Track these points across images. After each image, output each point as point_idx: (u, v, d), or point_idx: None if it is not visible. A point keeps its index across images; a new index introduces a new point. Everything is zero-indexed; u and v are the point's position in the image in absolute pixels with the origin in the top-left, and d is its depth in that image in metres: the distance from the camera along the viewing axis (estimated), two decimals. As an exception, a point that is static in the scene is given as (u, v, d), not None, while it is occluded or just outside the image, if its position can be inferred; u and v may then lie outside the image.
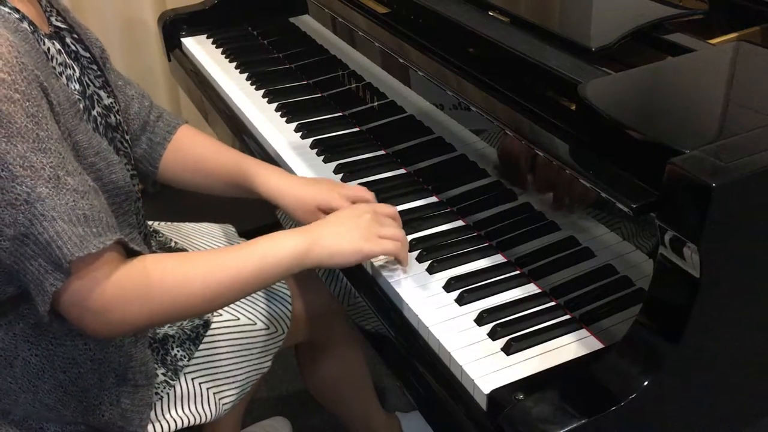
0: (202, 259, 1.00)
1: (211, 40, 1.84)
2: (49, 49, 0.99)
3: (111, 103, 1.10)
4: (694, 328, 0.80)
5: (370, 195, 1.19)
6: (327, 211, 1.14)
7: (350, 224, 1.04)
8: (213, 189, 1.26)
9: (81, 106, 1.00)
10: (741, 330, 0.89)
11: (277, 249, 1.00)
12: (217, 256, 1.00)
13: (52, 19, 1.06)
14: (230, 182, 1.23)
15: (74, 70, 1.03)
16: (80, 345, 1.02)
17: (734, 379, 0.92)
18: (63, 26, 1.07)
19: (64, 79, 0.99)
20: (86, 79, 1.06)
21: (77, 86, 1.02)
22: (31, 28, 0.96)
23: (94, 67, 1.10)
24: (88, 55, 1.09)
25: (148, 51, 2.41)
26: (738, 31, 1.14)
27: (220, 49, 1.79)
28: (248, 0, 1.88)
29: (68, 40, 1.06)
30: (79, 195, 0.88)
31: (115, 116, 1.10)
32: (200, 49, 1.81)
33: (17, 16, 0.94)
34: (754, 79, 0.98)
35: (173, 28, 1.86)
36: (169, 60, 1.89)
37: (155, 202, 1.49)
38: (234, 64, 1.72)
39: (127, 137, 1.13)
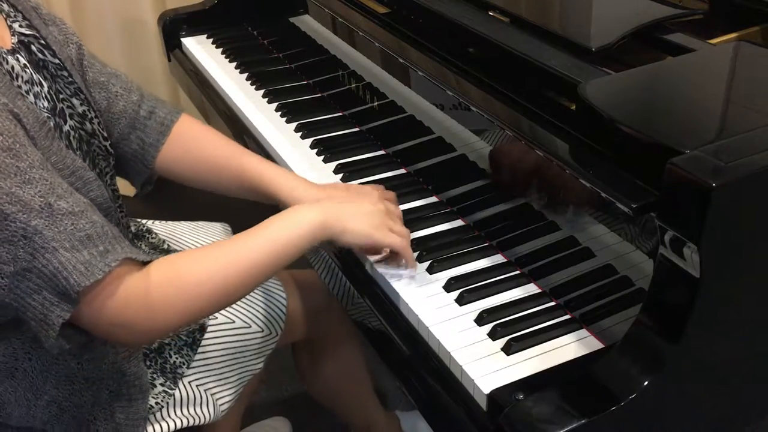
0: (217, 252, 0.97)
1: (211, 40, 1.84)
2: (13, 67, 0.95)
3: (85, 110, 1.06)
4: (694, 328, 0.80)
5: (390, 193, 1.18)
6: None
7: (366, 208, 1.04)
8: (224, 190, 1.20)
9: (51, 124, 0.97)
10: (741, 330, 0.89)
11: (295, 225, 0.99)
12: (233, 247, 0.98)
13: (15, 26, 1.01)
14: (249, 188, 1.17)
15: (41, 85, 0.99)
16: (73, 364, 1.01)
17: (734, 379, 0.92)
18: (28, 32, 1.02)
19: (31, 97, 0.96)
20: (56, 87, 1.02)
21: (46, 103, 0.98)
22: None
23: (65, 74, 1.05)
24: (57, 61, 1.04)
25: (148, 51, 2.42)
26: (738, 31, 1.14)
27: (220, 49, 1.79)
28: (248, 0, 1.88)
29: (34, 47, 1.01)
30: (77, 216, 0.86)
31: (90, 123, 1.06)
32: (200, 49, 1.81)
33: None
34: (754, 79, 0.98)
35: (173, 28, 1.86)
36: (169, 60, 1.89)
37: (150, 201, 1.49)
38: (234, 64, 1.72)
39: (106, 143, 1.09)
